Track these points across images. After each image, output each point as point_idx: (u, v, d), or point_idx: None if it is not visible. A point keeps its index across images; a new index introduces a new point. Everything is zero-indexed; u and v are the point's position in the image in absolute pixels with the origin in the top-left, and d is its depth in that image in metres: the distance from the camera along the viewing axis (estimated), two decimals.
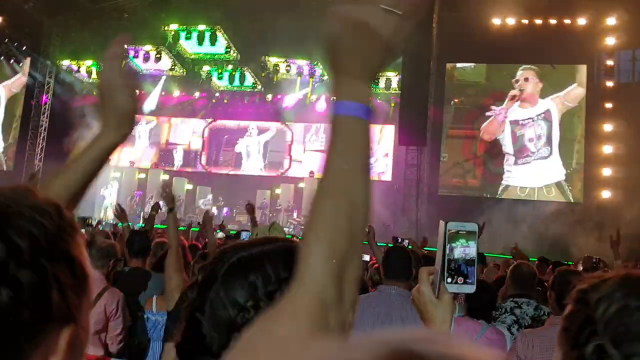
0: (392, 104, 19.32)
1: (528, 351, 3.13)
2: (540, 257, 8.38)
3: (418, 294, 1.22)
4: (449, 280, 1.15)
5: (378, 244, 6.49)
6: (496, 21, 17.48)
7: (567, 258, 8.31)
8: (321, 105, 20.17)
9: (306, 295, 0.77)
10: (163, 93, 21.76)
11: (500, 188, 18.19)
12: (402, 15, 0.89)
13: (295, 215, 19.90)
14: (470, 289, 1.16)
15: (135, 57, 20.54)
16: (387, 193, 18.77)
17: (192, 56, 20.74)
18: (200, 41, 19.29)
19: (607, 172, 16.93)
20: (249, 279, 1.09)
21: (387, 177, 19.76)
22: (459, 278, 1.15)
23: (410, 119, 16.22)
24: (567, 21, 17.30)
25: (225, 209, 20.36)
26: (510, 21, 17.49)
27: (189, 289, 1.18)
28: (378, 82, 19.21)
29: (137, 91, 1.40)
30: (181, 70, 21.12)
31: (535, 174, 17.83)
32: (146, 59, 20.39)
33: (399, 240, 8.99)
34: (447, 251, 1.15)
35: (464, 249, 1.16)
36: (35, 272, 0.70)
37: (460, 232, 1.17)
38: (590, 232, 13.95)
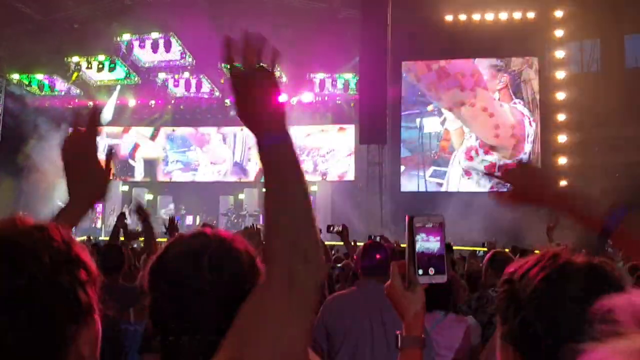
0: (352, 104, 19.44)
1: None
2: (512, 246, 8.56)
3: (390, 287, 1.26)
4: (420, 272, 1.18)
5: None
6: (448, 17, 17.75)
7: (523, 246, 8.49)
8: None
9: (275, 270, 0.99)
10: (118, 102, 21.38)
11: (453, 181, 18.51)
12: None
13: (261, 220, 19.77)
14: (442, 278, 1.20)
15: (89, 68, 20.15)
16: (352, 192, 18.88)
17: (147, 64, 20.44)
18: (155, 49, 19.05)
19: (562, 160, 17.38)
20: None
21: (350, 176, 19.86)
22: (430, 269, 1.18)
23: (370, 118, 16.33)
24: (517, 15, 17.69)
25: (188, 218, 20.11)
26: (462, 17, 17.80)
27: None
28: (336, 84, 19.37)
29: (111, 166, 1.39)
30: (136, 79, 20.79)
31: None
32: (100, 69, 20.01)
33: (373, 238, 9.10)
34: (416, 244, 1.18)
35: (432, 241, 1.19)
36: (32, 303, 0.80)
37: (426, 225, 1.19)
38: (546, 219, 14.24)
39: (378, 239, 8.21)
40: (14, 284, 0.76)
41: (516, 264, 1.14)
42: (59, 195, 20.70)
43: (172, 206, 20.58)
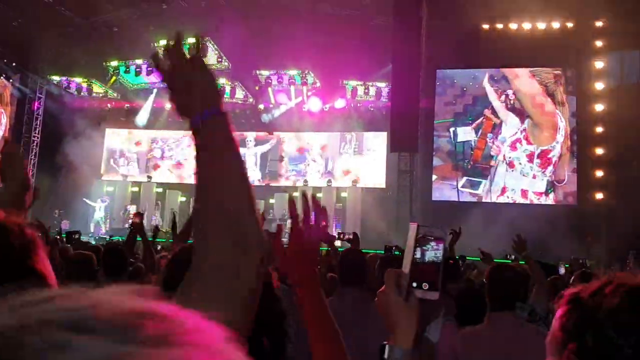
0: (384, 112, 19.35)
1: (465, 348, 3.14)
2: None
3: (382, 295, 1.20)
4: (414, 284, 1.13)
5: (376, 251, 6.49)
6: (485, 26, 17.54)
7: (547, 260, 8.34)
8: (316, 106, 20.21)
9: (208, 262, 0.94)
10: (154, 106, 21.75)
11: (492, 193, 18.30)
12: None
13: (288, 224, 19.80)
14: (434, 295, 1.14)
15: (127, 72, 20.56)
16: (382, 200, 18.78)
17: None
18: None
19: (599, 174, 16.98)
20: None
21: (381, 184, 19.76)
22: (424, 284, 1.13)
23: (401, 126, 16.21)
24: (555, 25, 17.38)
25: None
26: (499, 25, 17.57)
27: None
28: (368, 92, 19.35)
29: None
30: None
31: (523, 177, 18.07)
32: (138, 72, 20.41)
33: (391, 249, 9.03)
34: (416, 257, 1.14)
35: (431, 254, 1.14)
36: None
37: (428, 237, 1.15)
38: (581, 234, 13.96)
39: (393, 248, 8.17)
40: None
41: (580, 287, 1.15)
42: (93, 193, 21.22)
43: None
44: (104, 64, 20.52)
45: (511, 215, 15.28)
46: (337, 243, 5.86)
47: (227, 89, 20.55)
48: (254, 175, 21.38)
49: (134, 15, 19.53)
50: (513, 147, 18.32)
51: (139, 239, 5.17)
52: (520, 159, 18.19)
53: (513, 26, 17.58)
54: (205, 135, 1.03)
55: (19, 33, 20.10)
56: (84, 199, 20.88)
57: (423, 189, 18.46)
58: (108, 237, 17.19)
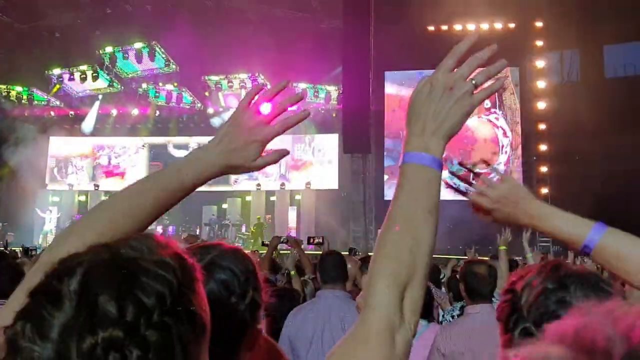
0: (334, 114, 19.49)
1: (447, 342, 3.18)
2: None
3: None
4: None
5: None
6: (430, 27, 17.90)
7: (492, 253, 8.55)
8: (266, 110, 20.05)
9: (376, 321, 0.87)
10: (100, 112, 21.24)
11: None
12: (480, 89, 1.05)
13: (244, 229, 19.71)
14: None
15: (71, 79, 19.98)
16: (336, 202, 18.88)
17: (131, 75, 20.34)
18: (139, 59, 18.96)
19: (543, 169, 17.56)
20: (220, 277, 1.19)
21: (334, 185, 19.86)
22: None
23: (353, 128, 16.37)
24: (498, 25, 17.89)
25: (170, 228, 19.93)
26: (444, 27, 17.95)
27: None
28: (318, 94, 19.40)
29: None
30: (119, 86, 20.65)
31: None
32: (83, 79, 19.87)
33: (355, 252, 9.22)
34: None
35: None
36: (162, 331, 0.70)
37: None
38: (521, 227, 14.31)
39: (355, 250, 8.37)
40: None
41: (519, 273, 1.18)
42: (38, 204, 20.51)
43: None
44: (46, 72, 19.87)
45: (458, 211, 15.60)
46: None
47: (174, 95, 20.29)
48: None
49: (77, 20, 19.02)
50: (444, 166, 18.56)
51: None
52: (453, 178, 18.35)
53: (458, 27, 17.98)
54: (412, 178, 0.98)
55: None
56: (36, 209, 20.19)
57: (376, 189, 18.65)
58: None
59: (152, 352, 0.69)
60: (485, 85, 1.07)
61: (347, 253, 9.17)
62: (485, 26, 17.93)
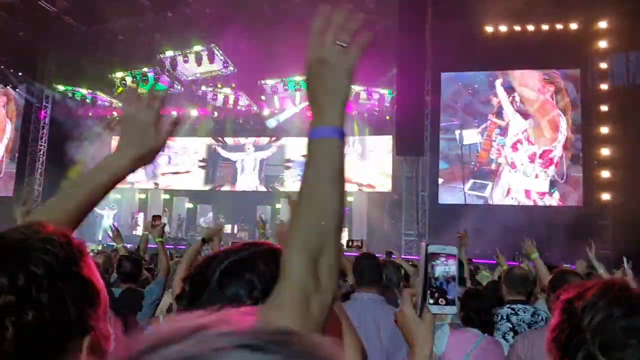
0: (388, 117, 19.40)
1: (528, 351, 3.08)
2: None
3: (401, 314, 1.26)
4: (431, 301, 1.18)
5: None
6: (488, 28, 17.59)
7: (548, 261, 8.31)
8: None
9: (289, 288, 0.93)
10: (160, 113, 21.85)
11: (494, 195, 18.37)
12: (350, 47, 1.12)
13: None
14: (452, 309, 1.20)
15: (133, 82, 20.66)
16: (388, 204, 18.79)
17: (191, 77, 20.86)
18: (199, 62, 19.41)
19: (605, 174, 16.98)
20: (246, 277, 1.19)
21: (387, 188, 19.76)
22: (441, 299, 1.18)
23: (407, 130, 16.25)
24: (559, 26, 17.41)
25: (227, 226, 20.31)
26: (503, 28, 17.60)
27: (178, 298, 1.24)
28: (372, 96, 19.36)
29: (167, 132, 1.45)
30: (179, 87, 21.22)
31: (525, 178, 18.12)
32: (145, 80, 20.53)
33: (391, 254, 9.18)
34: (429, 273, 1.18)
35: (444, 271, 1.19)
36: (53, 293, 0.84)
37: (440, 255, 1.19)
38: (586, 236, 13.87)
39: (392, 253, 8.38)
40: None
41: (576, 289, 1.14)
42: (102, 203, 21.25)
43: (210, 215, 20.86)
44: (109, 75, 20.61)
45: (517, 217, 15.30)
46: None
47: (231, 99, 20.74)
48: (253, 180, 21.48)
49: (139, 24, 19.64)
50: (514, 148, 18.35)
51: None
52: (522, 159, 18.25)
53: (517, 28, 17.60)
54: (315, 153, 1.04)
55: (25, 42, 20.26)
56: (96, 209, 20.94)
57: (429, 193, 18.47)
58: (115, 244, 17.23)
59: (46, 311, 0.82)
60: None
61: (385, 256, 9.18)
62: (545, 27, 17.49)
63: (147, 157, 1.37)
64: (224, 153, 22.05)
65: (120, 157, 1.34)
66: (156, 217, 4.96)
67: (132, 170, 1.35)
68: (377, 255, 4.19)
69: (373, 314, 3.34)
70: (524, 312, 4.27)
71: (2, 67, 20.94)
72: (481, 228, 12.99)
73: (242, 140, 21.71)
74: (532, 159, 18.10)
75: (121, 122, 1.37)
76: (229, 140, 21.92)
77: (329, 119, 1.06)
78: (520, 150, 18.24)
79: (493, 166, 18.46)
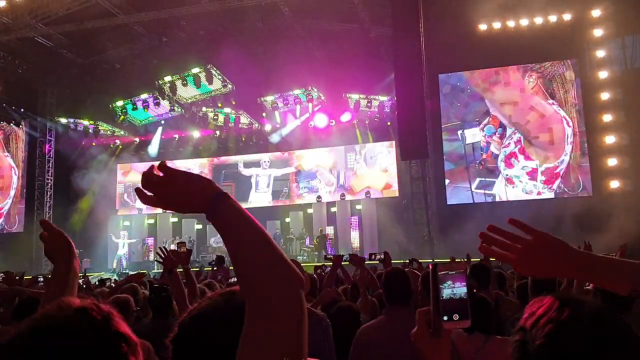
0: (389, 123, 19.42)
1: None
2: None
3: (416, 334, 1.27)
4: (445, 318, 1.20)
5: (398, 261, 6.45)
6: (482, 26, 17.61)
7: None
8: (322, 122, 20.36)
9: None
10: (163, 137, 22.10)
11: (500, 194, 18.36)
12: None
13: (307, 242, 19.87)
14: (466, 323, 1.21)
15: (134, 109, 20.82)
16: (396, 209, 18.76)
17: (190, 100, 21.00)
18: (197, 83, 19.54)
19: (612, 162, 16.91)
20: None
21: (394, 193, 19.75)
22: (455, 315, 1.20)
23: (410, 134, 16.23)
24: (552, 18, 17.41)
25: None
26: (497, 25, 17.62)
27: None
28: (371, 104, 19.42)
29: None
30: (180, 110, 21.35)
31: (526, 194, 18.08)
32: (145, 107, 20.69)
33: (410, 261, 9.16)
34: (440, 292, 1.21)
35: (456, 287, 1.21)
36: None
37: (450, 273, 1.22)
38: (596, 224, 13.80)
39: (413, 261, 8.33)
40: None
41: (533, 307, 1.17)
42: (111, 229, 21.40)
43: None
44: (110, 105, 20.79)
45: (526, 211, 15.25)
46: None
47: (232, 118, 20.89)
48: (266, 197, 21.50)
49: (135, 51, 19.82)
50: (508, 163, 18.22)
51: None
52: (520, 177, 18.07)
53: (510, 24, 17.62)
54: (222, 219, 1.12)
55: (24, 79, 20.52)
56: (110, 235, 21.09)
57: (437, 194, 18.44)
58: (129, 271, 17.29)
59: None
60: None
61: (407, 262, 9.14)
62: (539, 20, 17.50)
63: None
64: (243, 171, 22.09)
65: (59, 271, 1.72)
66: (181, 244, 4.91)
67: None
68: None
69: (404, 330, 3.28)
70: None
71: (3, 104, 21.16)
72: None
73: (255, 157, 21.81)
74: (532, 176, 18.01)
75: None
76: (235, 158, 22.01)
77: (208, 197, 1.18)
78: (516, 166, 18.12)
79: (499, 160, 18.40)
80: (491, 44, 17.06)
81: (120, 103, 20.80)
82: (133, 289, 4.69)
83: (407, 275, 3.63)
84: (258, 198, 21.45)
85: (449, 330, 1.23)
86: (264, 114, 20.98)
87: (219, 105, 20.81)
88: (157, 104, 20.51)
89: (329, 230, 19.90)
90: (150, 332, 4.20)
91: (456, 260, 7.45)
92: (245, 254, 1.09)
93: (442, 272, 1.22)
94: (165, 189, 1.15)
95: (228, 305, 1.25)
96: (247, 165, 21.80)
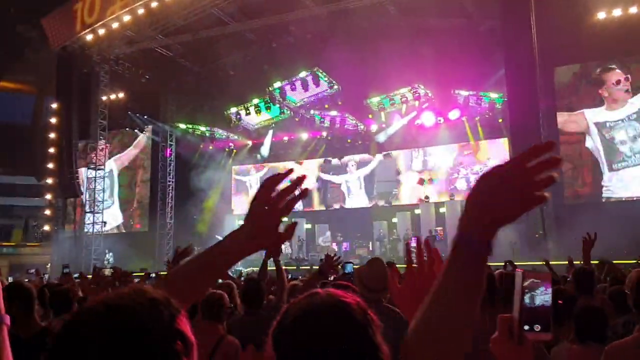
0: (500, 120, 18.72)
1: None
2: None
3: (496, 342, 1.24)
4: (526, 327, 1.18)
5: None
6: (601, 14, 16.48)
7: None
8: (429, 120, 20.06)
9: None
10: (273, 140, 22.84)
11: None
12: None
13: (413, 243, 19.62)
14: (547, 336, 1.19)
15: (247, 114, 21.69)
16: None
17: (299, 103, 21.52)
18: (305, 87, 19.98)
19: None
20: None
21: None
22: (536, 325, 1.18)
23: (522, 130, 15.57)
24: None
25: (344, 244, 20.55)
26: (617, 12, 16.41)
27: None
28: (481, 102, 18.89)
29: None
30: (289, 112, 21.94)
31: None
32: (257, 111, 21.45)
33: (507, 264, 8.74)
34: (524, 299, 1.19)
35: (539, 298, 1.19)
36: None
37: (536, 280, 1.20)
38: None
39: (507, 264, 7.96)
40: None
41: None
42: (227, 229, 22.31)
43: (328, 234, 21.17)
44: (224, 112, 21.80)
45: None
46: None
47: (337, 120, 21.14)
48: (361, 199, 21.62)
49: (247, 58, 20.65)
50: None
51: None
52: None
53: (633, 10, 16.35)
54: (464, 266, 1.05)
55: (147, 87, 22.09)
56: (216, 236, 22.08)
57: (552, 191, 17.52)
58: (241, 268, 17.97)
59: None
60: None
61: (503, 265, 8.73)
62: None
63: (257, 249, 1.39)
64: (325, 177, 22.50)
65: (236, 244, 1.38)
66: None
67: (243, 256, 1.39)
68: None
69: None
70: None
71: (129, 112, 22.93)
72: (602, 227, 12.12)
73: (344, 159, 22.09)
74: None
75: (251, 207, 1.37)
76: (334, 162, 22.36)
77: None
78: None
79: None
80: (611, 34, 15.88)
81: (234, 109, 21.73)
82: (229, 286, 4.74)
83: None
84: (354, 202, 21.78)
85: (531, 340, 1.20)
86: (370, 116, 21.04)
87: (326, 107, 21.14)
88: (269, 108, 21.25)
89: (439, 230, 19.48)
90: (245, 325, 4.27)
91: (573, 262, 6.99)
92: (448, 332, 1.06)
93: (529, 279, 1.20)
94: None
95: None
96: (337, 170, 22.05)
